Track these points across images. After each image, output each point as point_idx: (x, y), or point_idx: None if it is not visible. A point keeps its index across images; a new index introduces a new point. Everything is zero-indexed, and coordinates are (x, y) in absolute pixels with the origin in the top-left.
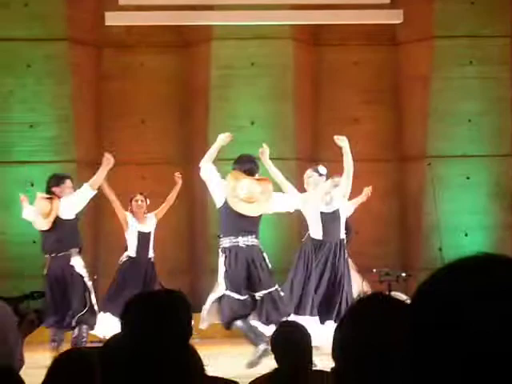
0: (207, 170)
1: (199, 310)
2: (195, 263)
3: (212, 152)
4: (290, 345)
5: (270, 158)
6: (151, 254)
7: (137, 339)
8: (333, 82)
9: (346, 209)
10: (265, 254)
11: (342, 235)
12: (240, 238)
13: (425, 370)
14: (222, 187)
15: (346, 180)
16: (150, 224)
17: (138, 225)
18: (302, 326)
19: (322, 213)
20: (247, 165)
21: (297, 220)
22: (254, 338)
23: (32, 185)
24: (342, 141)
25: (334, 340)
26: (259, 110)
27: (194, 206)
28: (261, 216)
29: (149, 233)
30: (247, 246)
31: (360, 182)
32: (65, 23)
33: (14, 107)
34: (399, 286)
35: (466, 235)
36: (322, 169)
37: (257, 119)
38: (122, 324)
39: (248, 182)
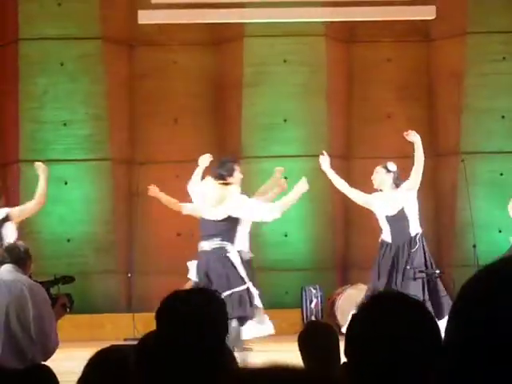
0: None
1: None
2: None
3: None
4: (314, 345)
5: (303, 155)
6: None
7: (172, 337)
8: (366, 79)
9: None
10: (228, 255)
11: (413, 232)
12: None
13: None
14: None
15: (415, 174)
16: None
17: None
18: (329, 326)
19: (387, 216)
20: (216, 170)
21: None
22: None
23: (66, 183)
24: (414, 135)
25: (346, 336)
26: (292, 107)
27: None
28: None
29: None
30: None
31: None
32: (98, 22)
33: (47, 106)
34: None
35: (500, 232)
36: (392, 165)
37: (289, 116)
38: (157, 322)
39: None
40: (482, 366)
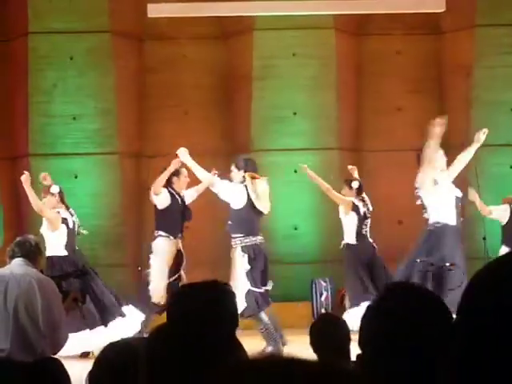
0: (214, 184)
1: None
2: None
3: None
4: (327, 337)
5: (313, 148)
6: None
7: (182, 330)
8: (376, 72)
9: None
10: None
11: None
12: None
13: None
14: (238, 189)
15: (458, 162)
16: None
17: None
18: (340, 319)
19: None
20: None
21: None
22: (271, 333)
23: (76, 177)
24: (484, 134)
25: (360, 328)
26: (301, 100)
27: None
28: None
29: None
30: (261, 243)
31: (404, 171)
32: (107, 15)
33: (56, 100)
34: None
35: None
36: None
37: (299, 109)
38: (168, 314)
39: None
40: (489, 355)
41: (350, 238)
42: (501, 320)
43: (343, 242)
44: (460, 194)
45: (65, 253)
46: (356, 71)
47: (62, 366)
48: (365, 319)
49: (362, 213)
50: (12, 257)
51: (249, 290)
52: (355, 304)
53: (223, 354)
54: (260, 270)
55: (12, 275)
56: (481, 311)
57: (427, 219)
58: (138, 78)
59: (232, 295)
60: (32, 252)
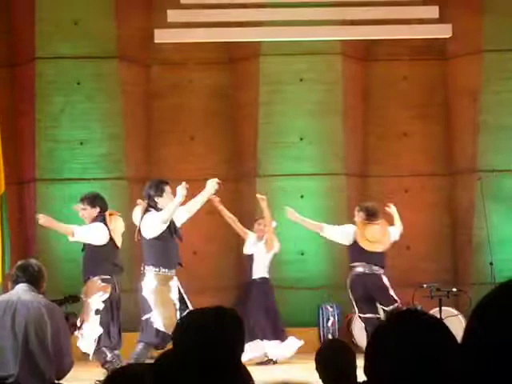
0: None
1: None
2: (244, 280)
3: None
4: (333, 363)
5: (319, 174)
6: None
7: (188, 356)
8: (382, 97)
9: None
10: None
11: None
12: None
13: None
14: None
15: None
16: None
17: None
18: (347, 344)
19: None
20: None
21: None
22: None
23: None
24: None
25: (365, 354)
26: (308, 125)
27: (243, 222)
28: None
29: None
30: None
31: (410, 197)
32: (114, 41)
33: (64, 125)
34: (450, 302)
35: None
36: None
37: (306, 135)
38: (173, 340)
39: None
40: (498, 371)
41: None
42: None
43: None
44: None
45: None
46: (363, 96)
47: None
48: (369, 346)
49: None
50: (16, 281)
51: None
52: None
53: (227, 379)
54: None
55: (20, 300)
56: (490, 329)
57: None
58: (144, 102)
59: (238, 321)
60: (35, 277)
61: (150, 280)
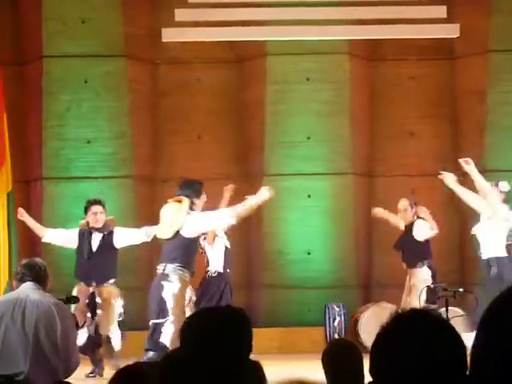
0: None
1: (255, 326)
2: (251, 279)
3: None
4: (339, 363)
5: (326, 173)
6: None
7: (196, 355)
8: (389, 97)
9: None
10: (163, 282)
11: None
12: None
13: None
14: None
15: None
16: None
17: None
18: (353, 344)
19: None
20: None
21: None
22: None
23: None
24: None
25: (371, 355)
26: (315, 125)
27: (250, 222)
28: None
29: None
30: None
31: (417, 197)
32: (122, 40)
33: (71, 123)
34: (457, 302)
35: None
36: (504, 185)
37: (313, 134)
38: (181, 339)
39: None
40: (508, 377)
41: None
42: None
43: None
44: None
45: None
46: (370, 96)
47: None
48: (374, 346)
49: None
50: (22, 280)
51: None
52: None
53: (234, 378)
54: None
55: (29, 299)
56: (500, 334)
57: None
58: (151, 101)
59: (246, 320)
60: (41, 276)
61: (174, 281)
